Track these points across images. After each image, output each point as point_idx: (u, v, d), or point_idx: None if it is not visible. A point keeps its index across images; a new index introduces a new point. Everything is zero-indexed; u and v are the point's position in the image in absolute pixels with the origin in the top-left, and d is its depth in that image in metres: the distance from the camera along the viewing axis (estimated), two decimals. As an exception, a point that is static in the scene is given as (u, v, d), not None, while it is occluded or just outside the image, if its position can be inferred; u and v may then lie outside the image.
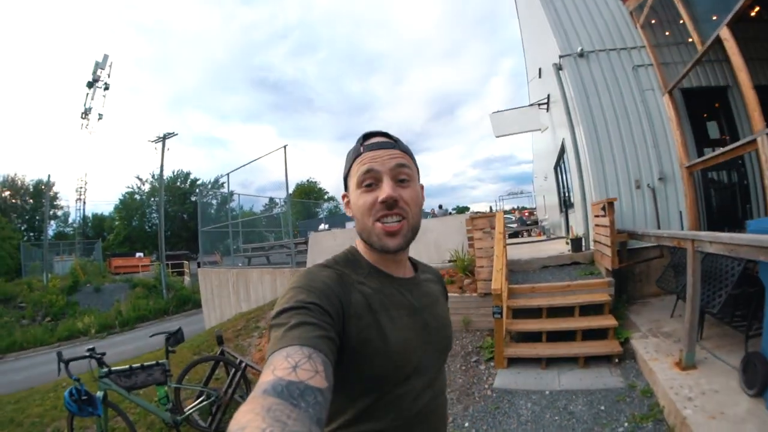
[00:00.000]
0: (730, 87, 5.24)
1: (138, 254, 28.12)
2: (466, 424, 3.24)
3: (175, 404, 3.44)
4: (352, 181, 0.80)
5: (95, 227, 34.98)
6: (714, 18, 4.14)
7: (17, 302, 15.47)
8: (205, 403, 3.61)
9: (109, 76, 28.01)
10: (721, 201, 5.49)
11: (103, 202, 74.25)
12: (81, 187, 28.98)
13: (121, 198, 35.62)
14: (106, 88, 28.01)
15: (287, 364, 0.50)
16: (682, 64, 4.95)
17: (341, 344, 0.67)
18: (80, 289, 17.30)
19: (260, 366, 4.15)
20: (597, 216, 5.16)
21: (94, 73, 27.38)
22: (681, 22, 4.63)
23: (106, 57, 27.81)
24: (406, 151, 0.83)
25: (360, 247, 0.85)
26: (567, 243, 6.36)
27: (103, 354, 3.21)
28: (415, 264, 0.94)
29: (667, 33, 5.33)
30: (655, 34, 5.43)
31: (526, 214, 20.93)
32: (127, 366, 3.24)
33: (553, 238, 9.64)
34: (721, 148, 4.23)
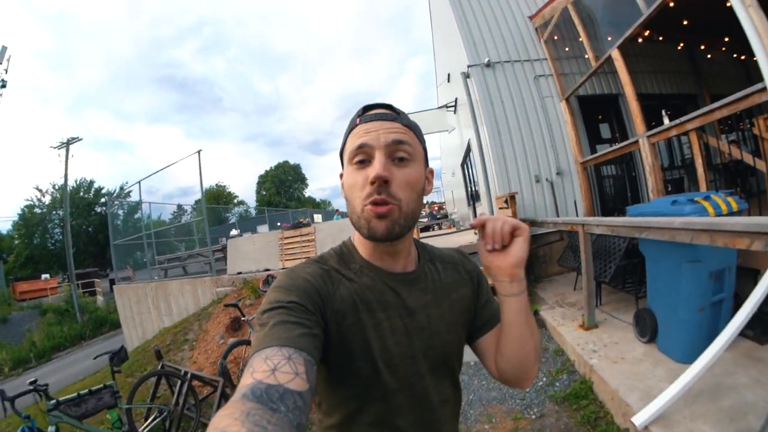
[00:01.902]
0: (621, 95, 6.07)
1: (44, 276, 24.77)
2: None
3: (130, 426, 3.37)
4: (346, 157, 0.72)
5: (-8, 248, 30.04)
6: (609, 39, 5.00)
7: None
8: (158, 419, 3.60)
9: (6, 72, 23.71)
10: (613, 191, 6.54)
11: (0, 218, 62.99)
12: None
13: (20, 213, 31.03)
14: (3, 86, 23.87)
15: (266, 366, 0.49)
16: (579, 75, 5.83)
17: (326, 341, 0.66)
18: None
19: (206, 374, 4.19)
20: (501, 208, 5.74)
21: None
22: (580, 39, 5.45)
23: (4, 48, 23.56)
24: (411, 126, 0.73)
25: (355, 238, 0.79)
26: (475, 233, 7.00)
27: (47, 385, 3.07)
28: (421, 252, 0.83)
29: (566, 48, 6.20)
30: (556, 48, 6.28)
31: (436, 208, 21.73)
32: (75, 394, 3.13)
33: (463, 230, 10.40)
34: (611, 147, 5.15)
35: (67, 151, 16.71)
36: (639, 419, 2.15)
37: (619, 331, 3.43)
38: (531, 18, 6.58)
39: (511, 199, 5.29)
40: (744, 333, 2.45)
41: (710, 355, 2.05)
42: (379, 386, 0.69)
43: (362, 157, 0.68)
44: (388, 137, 0.68)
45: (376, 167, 0.66)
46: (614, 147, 4.81)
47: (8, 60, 23.95)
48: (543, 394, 3.14)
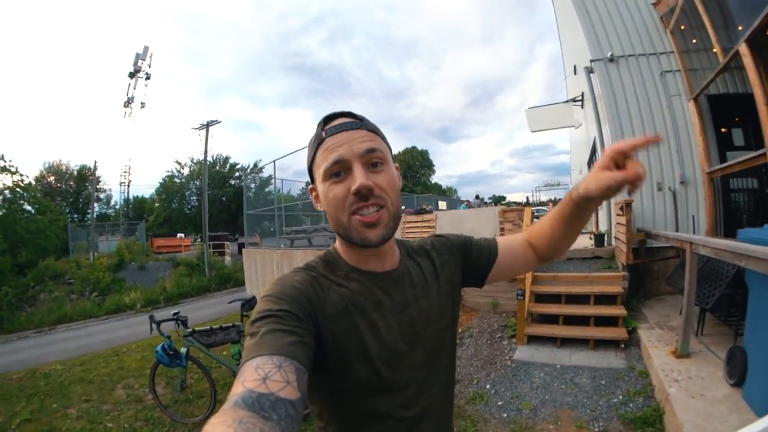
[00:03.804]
0: (756, 95, 5.29)
1: (179, 235, 29.12)
2: (488, 386, 3.84)
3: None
4: (319, 173, 0.71)
5: (136, 209, 36.50)
6: (740, 28, 4.28)
7: (66, 279, 16.27)
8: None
9: (149, 66, 29.06)
10: (742, 207, 5.62)
11: (143, 185, 77.94)
12: (125, 171, 30.43)
13: (161, 181, 37.22)
14: (147, 78, 29.07)
15: (257, 375, 0.49)
16: (710, 71, 5.07)
17: (321, 348, 0.66)
18: (126, 267, 18.15)
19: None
20: (618, 214, 5.46)
21: (135, 63, 28.53)
22: (707, 29, 4.78)
23: (146, 48, 28.92)
24: (375, 130, 0.74)
25: (339, 246, 0.80)
26: (590, 238, 6.66)
27: (186, 317, 3.93)
28: (401, 249, 0.85)
29: (694, 40, 5.45)
30: (684, 40, 5.57)
31: None
32: (208, 327, 3.91)
33: (584, 232, 9.88)
34: (740, 157, 4.42)
35: (207, 131, 19.50)
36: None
37: (710, 366, 3.13)
38: (655, 5, 5.93)
39: (627, 207, 4.99)
40: None
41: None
42: (379, 385, 0.71)
43: (339, 169, 0.68)
44: (360, 147, 0.69)
45: (358, 178, 0.67)
46: (744, 158, 4.11)
47: (151, 56, 29.13)
48: (614, 411, 3.04)
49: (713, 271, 3.50)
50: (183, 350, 3.76)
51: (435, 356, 0.80)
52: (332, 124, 0.72)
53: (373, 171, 0.69)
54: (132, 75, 28.69)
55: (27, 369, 5.62)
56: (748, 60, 3.90)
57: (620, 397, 3.22)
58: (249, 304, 4.21)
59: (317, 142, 0.72)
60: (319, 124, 0.74)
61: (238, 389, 0.47)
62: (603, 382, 3.51)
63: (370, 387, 0.70)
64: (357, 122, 0.72)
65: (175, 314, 3.83)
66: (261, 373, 0.49)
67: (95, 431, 3.66)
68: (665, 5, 5.63)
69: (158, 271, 18.39)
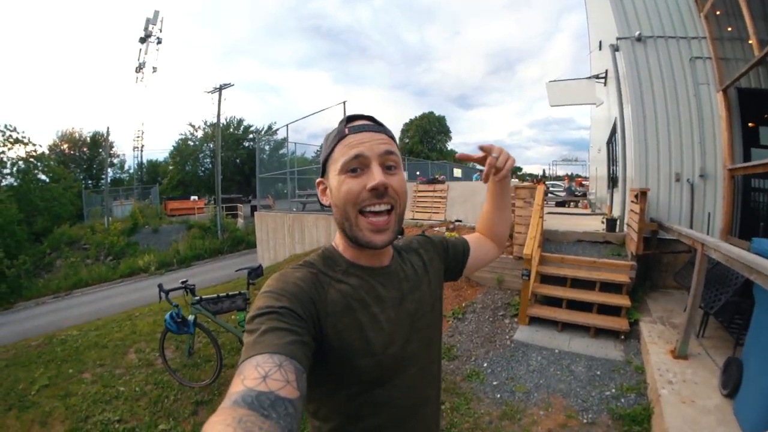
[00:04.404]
0: (794, 92, 4.98)
1: (192, 197, 29.32)
2: (485, 365, 3.95)
3: (252, 326, 4.25)
4: (335, 166, 0.74)
5: (150, 172, 36.79)
6: None
7: (81, 244, 16.73)
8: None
9: (161, 31, 28.65)
10: (761, 209, 5.43)
11: (157, 149, 77.56)
12: (138, 136, 30.55)
13: (175, 145, 37.31)
14: (159, 43, 28.72)
15: (257, 373, 0.49)
16: (743, 62, 4.79)
17: (322, 345, 0.67)
18: (139, 230, 18.43)
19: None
20: (632, 202, 5.36)
21: (146, 28, 28.19)
22: (745, 18, 4.46)
23: (156, 12, 28.43)
24: (392, 137, 0.78)
25: (338, 242, 0.82)
26: (602, 221, 6.57)
27: (194, 285, 4.04)
28: (393, 247, 0.88)
29: (729, 28, 5.11)
30: (718, 26, 5.22)
31: (579, 182, 20.25)
32: (215, 294, 4.02)
33: (597, 214, 9.70)
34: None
35: (220, 95, 19.29)
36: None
37: (706, 371, 3.11)
38: (690, -15, 5.51)
39: (642, 195, 4.87)
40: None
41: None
42: (381, 376, 0.73)
43: (357, 165, 0.72)
44: (380, 148, 0.73)
45: (377, 176, 0.71)
46: (765, 160, 3.91)
47: (161, 21, 28.73)
48: (605, 404, 3.10)
49: (722, 276, 3.43)
50: (191, 317, 3.88)
51: (428, 347, 0.84)
52: (355, 123, 0.76)
53: (388, 173, 0.73)
54: (143, 40, 28.37)
55: (45, 335, 5.81)
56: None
57: (613, 390, 3.27)
58: (256, 272, 4.28)
59: (338, 137, 0.75)
60: (341, 122, 0.77)
61: (237, 387, 0.48)
62: (598, 373, 3.57)
63: (372, 379, 0.72)
64: (378, 126, 0.77)
65: (183, 282, 3.93)
66: (261, 371, 0.50)
67: (108, 394, 3.84)
68: (702, -14, 5.25)
69: (172, 234, 18.68)
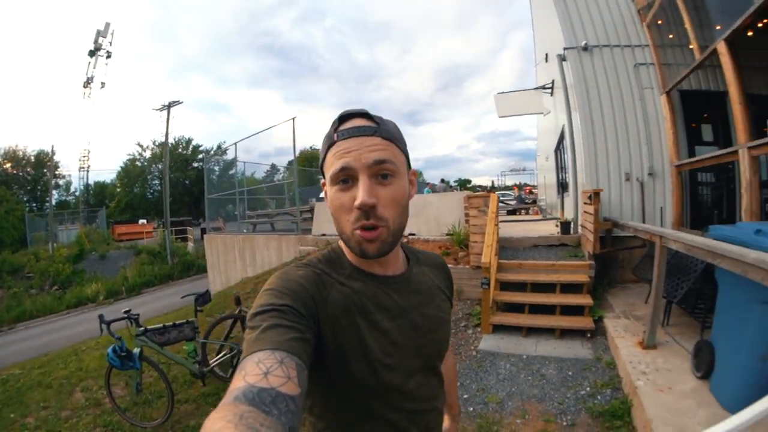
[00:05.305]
0: (728, 93, 5.40)
1: (141, 221, 28.29)
2: None
3: (203, 357, 3.87)
4: (327, 175, 0.71)
5: (97, 195, 34.93)
6: (718, 27, 4.31)
7: (24, 272, 15.75)
8: (227, 356, 4.08)
9: (111, 44, 27.39)
10: (708, 202, 5.78)
11: (105, 170, 73.14)
12: (84, 156, 28.83)
13: (123, 165, 35.52)
14: (108, 56, 27.41)
15: (258, 370, 0.49)
16: (684, 66, 5.14)
17: (320, 345, 0.66)
18: (86, 257, 17.62)
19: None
20: (585, 203, 5.51)
21: (96, 41, 26.82)
22: (685, 26, 4.82)
23: (107, 25, 27.15)
24: (390, 137, 0.70)
25: (343, 245, 0.79)
26: (556, 225, 6.73)
27: (138, 315, 3.65)
28: (409, 255, 0.87)
29: (671, 35, 5.48)
30: (660, 35, 5.59)
31: (528, 191, 21.11)
32: (161, 324, 3.66)
33: (549, 219, 10.00)
34: (710, 152, 4.51)
35: (168, 112, 18.61)
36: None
37: (677, 357, 3.17)
38: (632, -2, 5.90)
39: (595, 196, 5.02)
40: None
41: (758, 410, 1.81)
42: (375, 385, 0.70)
43: (345, 177, 0.67)
44: (369, 157, 0.66)
45: (362, 194, 0.65)
46: (712, 154, 4.18)
47: (112, 33, 27.46)
48: (582, 403, 3.04)
49: (681, 265, 3.55)
50: (136, 351, 3.49)
51: (430, 364, 0.81)
52: (346, 125, 0.69)
53: (380, 183, 0.68)
54: (92, 53, 26.95)
55: (-17, 375, 5.21)
56: (725, 59, 3.95)
57: (588, 389, 3.23)
58: (203, 298, 4.01)
59: (328, 143, 0.70)
60: (333, 123, 0.71)
61: (239, 383, 0.47)
62: (570, 373, 3.52)
63: (366, 387, 0.70)
64: (372, 127, 0.69)
65: (126, 312, 3.55)
66: (263, 367, 0.50)
67: (54, 441, 3.41)
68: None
69: (120, 260, 17.92)
